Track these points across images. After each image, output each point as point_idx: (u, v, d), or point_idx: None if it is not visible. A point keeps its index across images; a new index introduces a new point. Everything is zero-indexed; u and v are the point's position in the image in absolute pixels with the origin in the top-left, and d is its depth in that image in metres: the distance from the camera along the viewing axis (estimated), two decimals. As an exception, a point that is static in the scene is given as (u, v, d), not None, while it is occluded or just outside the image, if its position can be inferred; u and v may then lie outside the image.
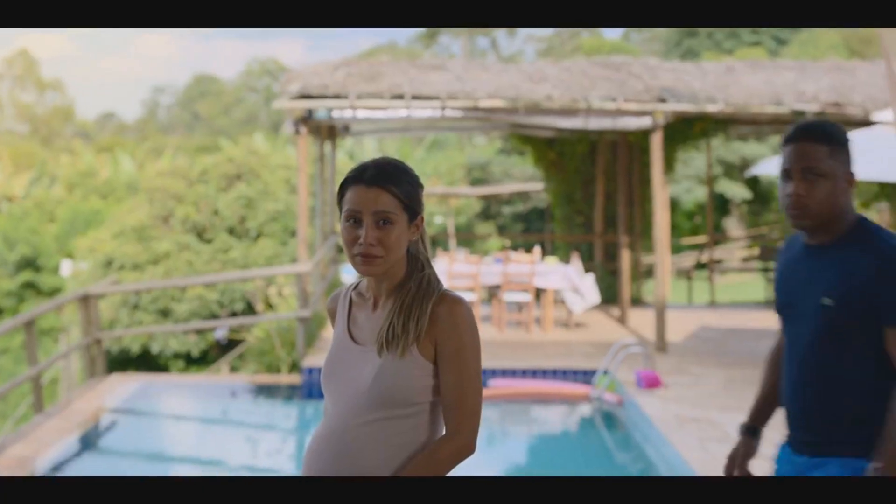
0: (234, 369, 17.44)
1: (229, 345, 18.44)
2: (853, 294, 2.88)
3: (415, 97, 12.62)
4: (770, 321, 14.41)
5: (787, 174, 2.97)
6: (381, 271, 2.59)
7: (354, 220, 2.57)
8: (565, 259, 16.22)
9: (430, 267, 2.68)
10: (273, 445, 10.26)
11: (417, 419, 2.58)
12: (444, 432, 2.59)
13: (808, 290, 3.00)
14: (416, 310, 2.56)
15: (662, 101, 12.48)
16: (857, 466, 2.83)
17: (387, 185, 2.56)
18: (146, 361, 19.51)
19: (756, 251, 24.25)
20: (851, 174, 2.95)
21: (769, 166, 12.43)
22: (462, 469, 2.58)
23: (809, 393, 2.99)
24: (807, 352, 3.00)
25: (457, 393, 2.54)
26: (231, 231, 20.46)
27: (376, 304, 2.66)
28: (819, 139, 2.91)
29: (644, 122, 12.52)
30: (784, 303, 3.12)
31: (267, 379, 11.88)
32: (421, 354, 2.55)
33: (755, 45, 36.24)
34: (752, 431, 3.33)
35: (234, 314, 19.18)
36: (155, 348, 19.16)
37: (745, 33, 37.70)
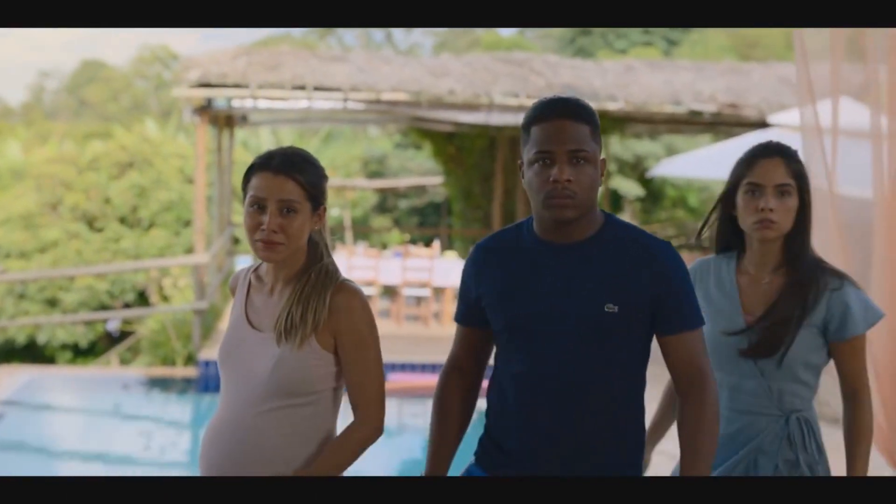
0: (124, 361, 17.08)
1: (121, 336, 18.05)
2: (638, 298, 2.51)
3: (317, 88, 12.51)
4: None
5: (544, 157, 2.50)
6: (282, 258, 2.61)
7: (258, 206, 2.59)
8: (464, 254, 16.26)
9: (330, 257, 2.70)
10: (167, 439, 10.09)
11: (317, 407, 2.59)
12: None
13: (571, 295, 2.53)
14: (314, 300, 2.58)
15: (564, 98, 12.58)
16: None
17: (293, 173, 2.59)
18: (32, 352, 18.96)
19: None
20: (604, 161, 2.59)
21: (671, 166, 12.63)
22: (359, 465, 2.61)
23: (576, 413, 2.52)
24: (572, 367, 2.51)
25: (360, 382, 2.59)
26: (123, 220, 19.99)
27: (272, 290, 2.67)
28: (582, 117, 2.53)
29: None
30: (528, 313, 2.56)
31: (162, 372, 11.68)
32: (319, 345, 2.58)
33: (647, 46, 36.83)
34: None
35: (126, 305, 18.78)
36: (41, 339, 18.64)
37: (636, 33, 38.26)
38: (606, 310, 2.50)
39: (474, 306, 2.69)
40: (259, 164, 2.63)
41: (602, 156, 2.58)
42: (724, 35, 38.20)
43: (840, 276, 2.91)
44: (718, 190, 21.26)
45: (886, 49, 3.94)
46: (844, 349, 2.89)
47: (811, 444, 2.85)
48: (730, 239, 3.03)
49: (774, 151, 2.92)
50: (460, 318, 2.77)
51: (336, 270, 2.67)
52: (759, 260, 2.97)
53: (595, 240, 2.57)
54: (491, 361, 2.77)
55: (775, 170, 2.87)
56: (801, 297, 2.88)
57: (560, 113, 2.53)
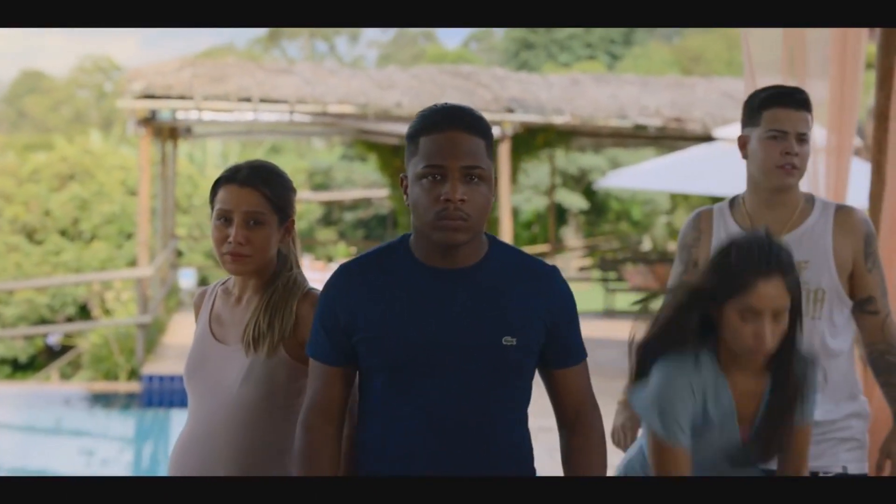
0: (64, 376, 16.82)
1: (62, 350, 17.78)
2: (535, 329, 2.28)
3: (263, 100, 12.44)
4: (611, 330, 14.71)
5: (435, 172, 2.20)
6: (249, 271, 2.59)
7: (225, 219, 2.57)
8: (410, 266, 16.18)
9: (298, 268, 2.68)
10: (110, 455, 9.94)
11: (286, 421, 2.55)
12: None
13: (464, 328, 2.24)
14: (281, 308, 2.57)
15: (511, 111, 12.62)
16: None
17: (259, 186, 2.57)
18: (-32, 367, 18.63)
19: (592, 261, 24.80)
20: (496, 180, 2.30)
21: (619, 179, 12.71)
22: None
23: (472, 459, 2.26)
24: (468, 408, 2.25)
25: None
26: (63, 233, 19.71)
27: (240, 300, 2.65)
28: (478, 130, 2.24)
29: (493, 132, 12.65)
30: (416, 349, 2.24)
31: (104, 387, 11.51)
32: (288, 354, 2.55)
33: (591, 59, 37.12)
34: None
35: (68, 319, 18.51)
36: (-21, 353, 18.32)
37: (580, 47, 38.57)
38: (504, 343, 2.24)
39: (343, 340, 2.30)
40: (225, 178, 2.61)
41: (494, 174, 2.30)
42: (667, 49, 38.64)
43: (816, 364, 2.70)
44: (662, 203, 21.34)
45: (824, 64, 4.01)
46: (803, 434, 2.69)
47: None
48: (702, 339, 2.63)
49: (775, 269, 2.53)
50: (323, 355, 2.34)
51: (303, 280, 2.64)
52: (744, 366, 2.63)
53: (483, 266, 2.30)
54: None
55: (776, 292, 2.52)
56: (794, 400, 2.62)
57: (454, 123, 2.22)
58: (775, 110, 3.04)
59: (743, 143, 3.12)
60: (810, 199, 3.16)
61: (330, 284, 2.34)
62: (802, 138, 3.04)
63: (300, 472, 2.31)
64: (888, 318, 3.13)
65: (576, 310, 2.38)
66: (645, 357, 2.67)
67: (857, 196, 4.17)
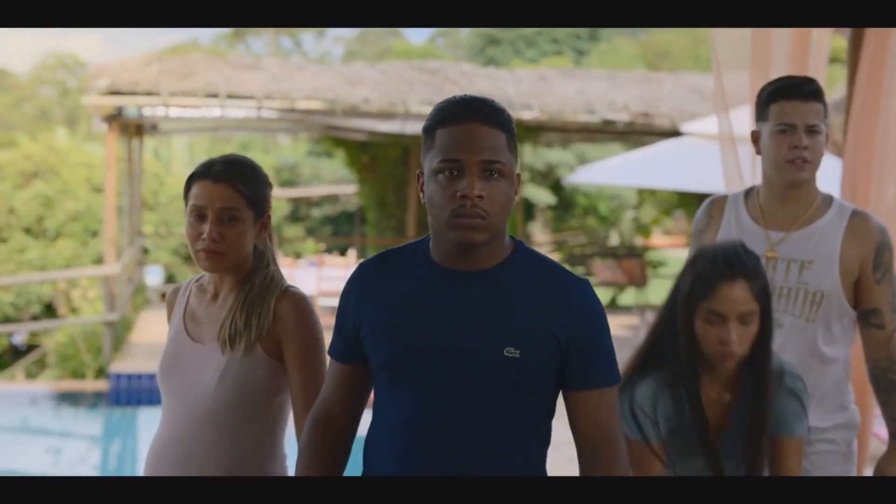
0: (30, 375, 16.67)
1: (27, 349, 17.62)
2: (547, 343, 2.12)
3: (230, 96, 12.37)
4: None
5: (452, 167, 2.08)
6: (224, 268, 2.56)
7: (199, 215, 2.53)
8: (378, 262, 16.14)
9: (276, 265, 2.65)
10: (77, 454, 9.85)
11: (264, 422, 2.54)
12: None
13: (466, 333, 2.12)
14: (258, 306, 2.53)
15: (479, 106, 12.61)
16: None
17: (233, 181, 2.54)
18: (-68, 366, 18.43)
19: (560, 255, 24.84)
20: (519, 176, 2.18)
21: (589, 174, 12.73)
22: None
23: (464, 469, 2.12)
24: (460, 417, 2.12)
25: (304, 386, 2.51)
26: (28, 231, 19.53)
27: (217, 297, 2.62)
28: (499, 123, 2.11)
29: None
30: (414, 350, 2.14)
31: (71, 385, 11.40)
32: (265, 352, 2.52)
33: (557, 55, 37.17)
34: None
35: (33, 318, 18.33)
36: (-58, 352, 18.13)
37: (546, 43, 38.60)
38: (506, 354, 2.09)
39: (353, 338, 2.24)
40: (199, 173, 2.57)
41: (517, 170, 2.17)
42: (633, 45, 38.76)
43: (792, 375, 2.69)
44: (629, 198, 21.38)
45: (788, 57, 4.01)
46: (791, 447, 2.67)
47: None
48: (692, 358, 2.62)
49: (739, 274, 2.55)
50: (337, 352, 2.29)
51: (281, 278, 2.61)
52: (717, 378, 2.66)
53: (502, 269, 2.16)
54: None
55: (740, 296, 2.53)
56: (765, 408, 2.61)
57: (473, 115, 2.09)
58: (782, 103, 2.98)
59: (755, 138, 3.09)
60: (828, 200, 3.08)
61: (349, 281, 2.29)
62: (813, 130, 2.96)
63: (300, 467, 2.27)
64: (895, 333, 3.02)
65: (605, 329, 2.18)
66: (627, 370, 2.70)
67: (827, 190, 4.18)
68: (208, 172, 2.55)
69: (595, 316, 2.17)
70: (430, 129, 2.15)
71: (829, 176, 4.23)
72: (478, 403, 2.11)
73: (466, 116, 2.10)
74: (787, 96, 2.98)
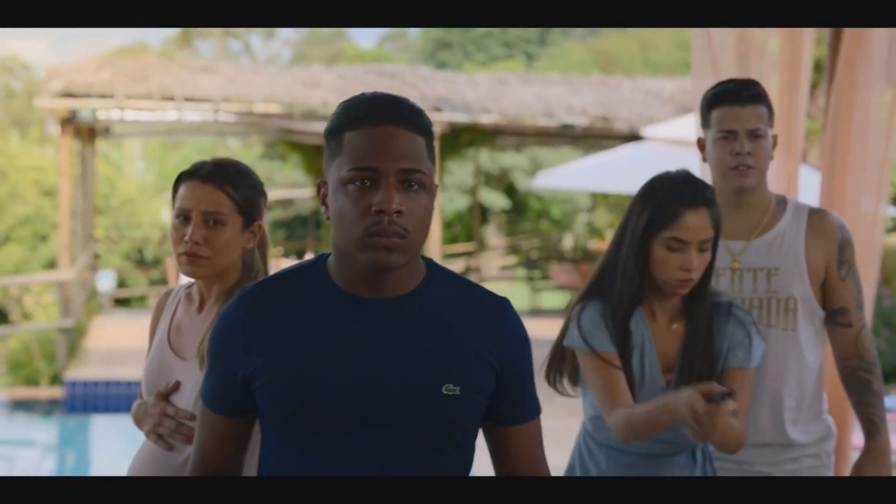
0: (-21, 383, 16.40)
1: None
2: (482, 376, 1.85)
3: (187, 99, 12.24)
4: (538, 329, 14.77)
5: (365, 177, 1.76)
6: (206, 274, 2.45)
7: (184, 217, 2.44)
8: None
9: (264, 276, 2.50)
10: (32, 463, 9.68)
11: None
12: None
13: (396, 373, 1.80)
14: None
15: (438, 110, 12.59)
16: None
17: (222, 183, 2.43)
18: None
19: (516, 260, 24.89)
20: (437, 188, 1.88)
21: (549, 178, 12.75)
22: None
23: None
24: (399, 469, 1.81)
25: None
26: (-25, 235, 19.24)
27: (202, 307, 2.51)
28: (417, 126, 1.80)
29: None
30: (333, 398, 1.79)
31: (25, 393, 11.21)
32: None
33: (508, 59, 37.29)
34: None
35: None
36: None
37: (496, 47, 38.71)
38: (445, 392, 1.80)
39: (240, 390, 1.85)
40: (187, 173, 2.47)
41: (436, 181, 1.86)
42: (582, 49, 38.96)
43: (734, 305, 2.69)
44: (582, 202, 21.45)
45: (776, 58, 4.00)
46: (741, 377, 2.65)
47: (711, 471, 2.77)
48: (644, 290, 2.65)
49: (701, 202, 2.57)
50: (217, 404, 1.91)
51: None
52: (667, 309, 2.67)
53: (418, 296, 1.85)
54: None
55: (702, 223, 2.56)
56: (710, 344, 2.64)
57: (390, 117, 1.77)
58: (722, 109, 2.89)
59: (701, 145, 3.00)
60: (782, 202, 3.01)
61: (223, 318, 1.88)
62: (756, 134, 2.87)
63: None
64: (862, 331, 2.98)
65: (530, 352, 1.94)
66: (578, 300, 2.73)
67: (806, 199, 4.18)
68: (196, 173, 2.45)
69: (522, 338, 1.92)
70: (335, 132, 1.81)
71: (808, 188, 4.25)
72: (409, 459, 1.81)
73: (382, 118, 1.77)
74: (727, 101, 2.89)
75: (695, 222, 2.54)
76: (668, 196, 2.58)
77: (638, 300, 2.65)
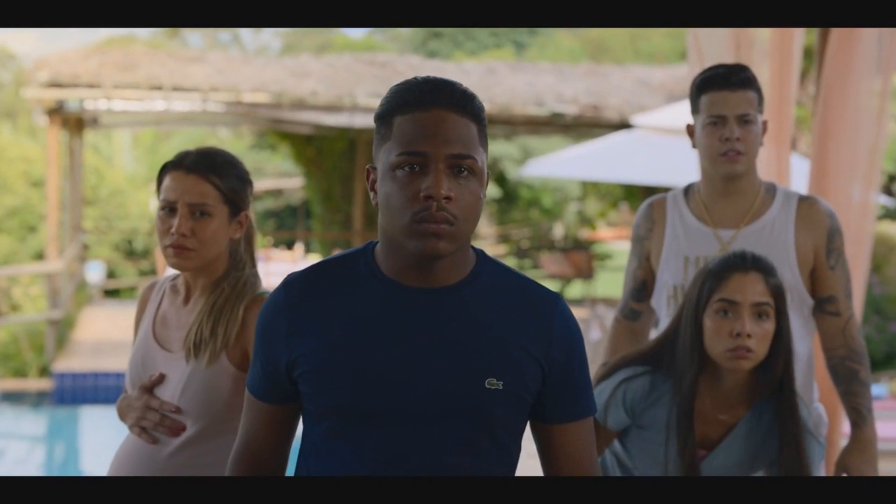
0: (-32, 374, 16.35)
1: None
2: (528, 371, 1.81)
3: (175, 89, 12.19)
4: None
5: (414, 162, 1.73)
6: (194, 266, 2.42)
7: (169, 209, 2.40)
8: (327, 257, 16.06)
9: (252, 268, 2.50)
10: (20, 455, 9.65)
11: (231, 436, 2.32)
12: None
13: (438, 364, 1.77)
14: (226, 313, 2.39)
15: (428, 99, 12.56)
16: None
17: (207, 173, 2.40)
18: None
19: (506, 249, 24.88)
20: (489, 175, 1.82)
21: (539, 167, 12.71)
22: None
23: None
24: (436, 464, 1.78)
25: None
26: (-37, 226, 19.16)
27: (188, 300, 2.48)
28: (470, 111, 1.76)
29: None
30: (373, 388, 1.77)
31: (13, 384, 11.18)
32: (231, 363, 2.37)
33: (498, 48, 37.21)
34: None
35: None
36: None
37: (485, 36, 38.62)
38: (488, 386, 1.77)
39: (283, 377, 1.84)
40: (172, 163, 2.44)
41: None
42: (573, 38, 38.88)
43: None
44: (573, 190, 21.49)
45: (766, 48, 3.98)
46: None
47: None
48: (700, 363, 2.52)
49: (752, 266, 2.49)
50: (261, 391, 1.90)
51: (255, 282, 2.47)
52: (719, 394, 2.55)
53: (467, 286, 1.81)
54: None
55: (754, 286, 2.47)
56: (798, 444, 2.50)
57: (441, 100, 1.74)
58: (711, 94, 2.86)
59: (690, 131, 2.97)
60: (771, 189, 2.99)
61: (268, 304, 1.87)
62: (745, 119, 2.83)
63: None
64: (850, 321, 2.96)
65: (582, 349, 1.88)
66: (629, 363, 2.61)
67: (795, 186, 4.16)
68: (181, 163, 2.42)
69: (575, 333, 1.87)
70: (385, 116, 1.78)
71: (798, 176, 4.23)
72: (451, 452, 1.77)
73: (433, 101, 1.74)
74: (716, 86, 2.85)
75: (745, 283, 2.44)
76: (716, 265, 2.52)
77: (697, 379, 2.50)
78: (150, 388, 2.42)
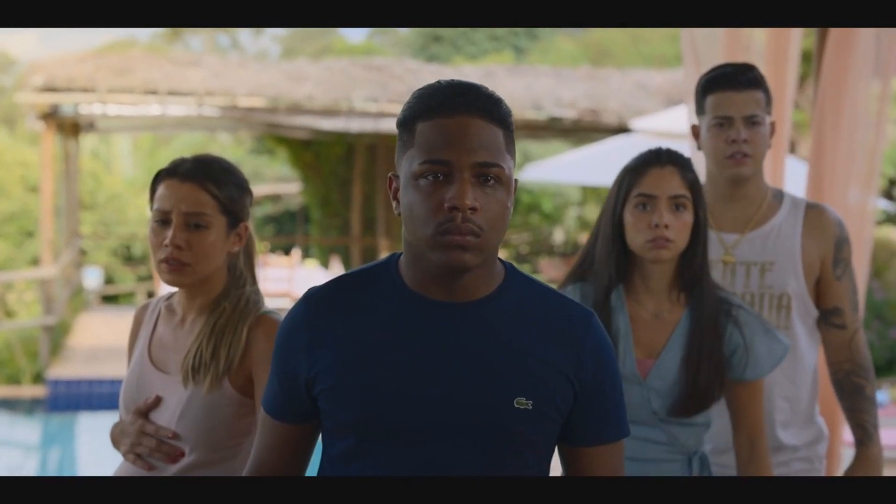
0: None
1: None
2: (558, 391, 1.73)
3: (170, 93, 12.12)
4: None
5: (439, 171, 1.64)
6: (190, 282, 2.26)
7: (163, 220, 2.24)
8: (324, 262, 16.02)
9: (254, 284, 2.34)
10: (14, 462, 9.59)
11: (232, 463, 2.25)
12: None
13: (465, 382, 1.69)
14: (228, 334, 2.23)
15: (425, 103, 12.51)
16: None
17: (203, 182, 2.24)
18: None
19: (506, 254, 24.78)
20: (517, 183, 1.74)
21: (538, 171, 12.63)
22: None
23: None
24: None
25: None
26: (-40, 232, 19.12)
27: (184, 320, 2.32)
28: (497, 118, 1.67)
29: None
30: (396, 407, 1.69)
31: (7, 391, 11.11)
32: (233, 388, 2.22)
33: (498, 52, 37.17)
34: None
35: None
36: None
37: (485, 40, 38.59)
38: (517, 406, 1.69)
39: (302, 394, 1.77)
40: (166, 171, 2.27)
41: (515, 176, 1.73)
42: (573, 43, 38.85)
43: (740, 307, 2.52)
44: (573, 195, 21.50)
45: (763, 51, 3.92)
46: (742, 391, 2.51)
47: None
48: (622, 266, 2.52)
49: (667, 161, 2.46)
50: (277, 410, 1.81)
51: (258, 300, 2.30)
52: (655, 292, 2.51)
53: (494, 301, 1.74)
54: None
55: (671, 179, 2.44)
56: (711, 336, 2.47)
57: (466, 106, 1.65)
58: (717, 95, 2.77)
59: (695, 133, 2.87)
60: (778, 195, 2.89)
61: (288, 319, 1.78)
62: (752, 121, 2.74)
63: None
64: (857, 334, 2.87)
65: (615, 368, 1.81)
66: (560, 286, 2.60)
67: (793, 190, 4.09)
68: (175, 171, 2.25)
69: (608, 355, 1.78)
70: (408, 122, 1.70)
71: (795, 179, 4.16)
72: (478, 469, 1.70)
73: (457, 107, 1.65)
74: (722, 87, 2.77)
75: (662, 176, 2.45)
76: (633, 161, 2.52)
77: (618, 279, 2.52)
78: (145, 412, 2.27)
